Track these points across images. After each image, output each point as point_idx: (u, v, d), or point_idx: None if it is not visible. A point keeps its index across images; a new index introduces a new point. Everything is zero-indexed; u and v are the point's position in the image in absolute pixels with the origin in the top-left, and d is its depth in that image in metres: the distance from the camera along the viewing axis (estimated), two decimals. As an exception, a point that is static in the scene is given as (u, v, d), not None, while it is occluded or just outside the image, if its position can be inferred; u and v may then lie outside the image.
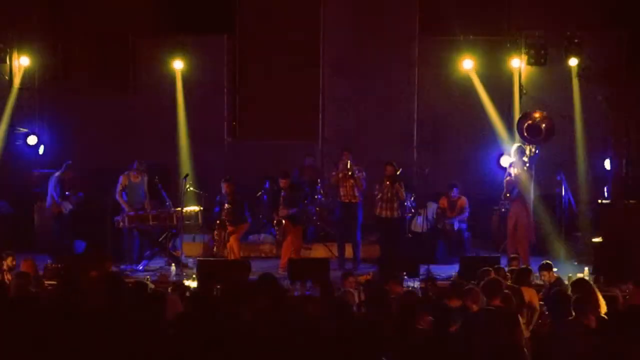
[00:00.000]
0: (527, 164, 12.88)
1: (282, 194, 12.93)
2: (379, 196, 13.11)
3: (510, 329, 6.77)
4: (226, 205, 12.92)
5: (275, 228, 13.22)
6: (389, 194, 13.08)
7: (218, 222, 12.98)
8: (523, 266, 10.78)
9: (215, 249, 13.12)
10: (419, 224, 13.80)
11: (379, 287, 8.24)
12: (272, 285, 8.25)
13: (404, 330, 6.79)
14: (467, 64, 15.42)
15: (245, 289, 8.73)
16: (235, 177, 13.46)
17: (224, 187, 13.01)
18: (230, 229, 12.87)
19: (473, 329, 6.78)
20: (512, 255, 11.91)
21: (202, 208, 13.73)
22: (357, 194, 13.09)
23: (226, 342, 6.69)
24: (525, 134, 13.18)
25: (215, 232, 13.05)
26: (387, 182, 13.04)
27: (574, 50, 15.18)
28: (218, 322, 7.08)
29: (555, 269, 10.40)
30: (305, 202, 14.04)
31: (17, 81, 15.92)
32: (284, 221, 12.87)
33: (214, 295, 8.85)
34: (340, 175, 13.05)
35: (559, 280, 10.02)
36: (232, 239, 12.89)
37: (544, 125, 13.15)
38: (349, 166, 12.98)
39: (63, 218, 13.65)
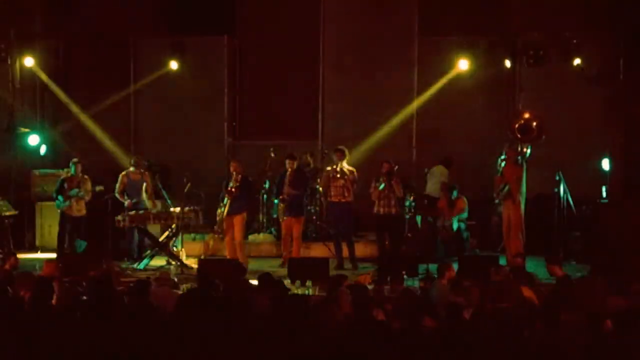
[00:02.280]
0: (503, 164, 12.91)
1: (289, 173, 13.03)
2: (375, 194, 13.12)
3: (521, 329, 6.79)
4: (233, 181, 12.93)
5: (281, 205, 13.27)
6: (386, 191, 13.10)
7: (227, 190, 12.93)
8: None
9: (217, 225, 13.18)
10: None
11: (363, 289, 8.17)
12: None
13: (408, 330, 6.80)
14: (466, 64, 15.47)
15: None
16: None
17: (232, 167, 13.12)
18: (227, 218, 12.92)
19: (484, 328, 6.78)
20: (517, 252, 11.89)
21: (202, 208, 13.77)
22: (347, 193, 13.14)
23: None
24: (517, 134, 13.21)
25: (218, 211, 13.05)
26: (384, 179, 13.05)
27: (573, 51, 15.22)
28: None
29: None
30: (307, 190, 14.02)
31: (18, 81, 15.94)
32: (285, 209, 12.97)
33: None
34: (331, 175, 13.12)
35: (566, 276, 10.00)
36: (237, 236, 12.93)
37: (534, 124, 13.17)
38: (338, 167, 13.06)
39: (64, 218, 13.70)
